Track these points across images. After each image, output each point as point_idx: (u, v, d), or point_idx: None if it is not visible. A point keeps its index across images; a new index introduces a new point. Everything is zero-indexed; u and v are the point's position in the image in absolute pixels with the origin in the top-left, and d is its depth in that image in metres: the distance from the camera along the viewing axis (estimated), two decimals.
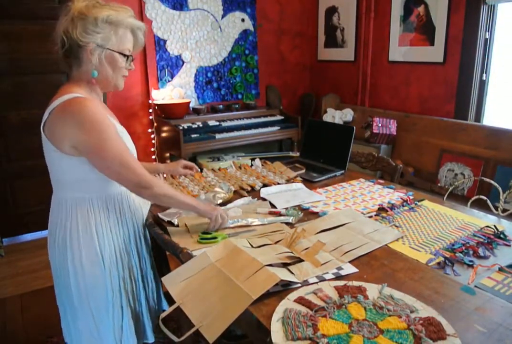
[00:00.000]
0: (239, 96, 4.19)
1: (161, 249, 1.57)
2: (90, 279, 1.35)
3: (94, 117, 1.23)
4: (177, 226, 1.58)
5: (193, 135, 3.50)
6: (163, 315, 1.11)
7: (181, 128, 3.47)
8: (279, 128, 3.89)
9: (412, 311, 1.03)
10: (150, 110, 3.75)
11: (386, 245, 1.40)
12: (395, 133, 3.56)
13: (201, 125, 3.61)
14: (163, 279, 1.22)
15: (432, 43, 3.39)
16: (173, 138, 3.50)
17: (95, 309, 1.37)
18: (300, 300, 1.08)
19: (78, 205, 1.34)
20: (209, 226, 1.49)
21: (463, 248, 1.36)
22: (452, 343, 0.92)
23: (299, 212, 1.65)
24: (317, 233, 1.46)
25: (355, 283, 1.16)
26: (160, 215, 1.65)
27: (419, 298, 1.08)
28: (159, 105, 3.62)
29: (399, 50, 3.68)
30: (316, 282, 1.17)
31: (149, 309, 1.55)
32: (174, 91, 3.76)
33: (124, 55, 1.35)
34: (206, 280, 1.17)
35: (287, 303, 1.07)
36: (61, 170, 1.32)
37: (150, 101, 3.72)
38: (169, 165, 1.85)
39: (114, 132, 1.27)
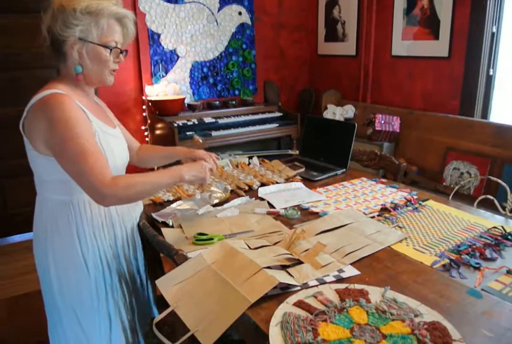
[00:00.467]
0: (236, 92, 4.19)
1: (155, 251, 1.56)
2: (74, 285, 1.33)
3: (63, 114, 1.19)
4: (172, 227, 1.58)
5: (188, 133, 3.50)
6: (156, 319, 1.11)
7: (175, 125, 3.47)
8: (277, 125, 3.90)
9: (416, 315, 1.03)
10: (144, 107, 3.75)
11: (389, 246, 1.39)
12: (398, 130, 3.56)
13: (196, 122, 3.60)
14: (157, 282, 1.21)
15: (436, 37, 3.39)
16: (167, 136, 3.49)
17: (82, 318, 1.36)
18: (300, 304, 1.08)
19: (59, 207, 1.32)
20: (203, 183, 1.48)
21: (470, 249, 1.35)
22: None
23: (298, 212, 1.65)
24: (317, 234, 1.46)
25: (357, 286, 1.15)
26: (154, 215, 1.64)
27: (423, 302, 1.08)
28: (153, 102, 3.61)
29: (402, 44, 3.68)
30: (316, 285, 1.17)
31: (140, 317, 1.53)
32: (169, 86, 3.76)
33: (108, 48, 1.30)
34: (202, 283, 1.17)
35: (286, 306, 1.07)
36: (40, 170, 1.30)
37: (143, 97, 3.72)
38: (189, 151, 1.63)
39: (83, 133, 1.20)
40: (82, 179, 1.19)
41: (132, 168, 1.57)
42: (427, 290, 1.15)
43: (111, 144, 1.35)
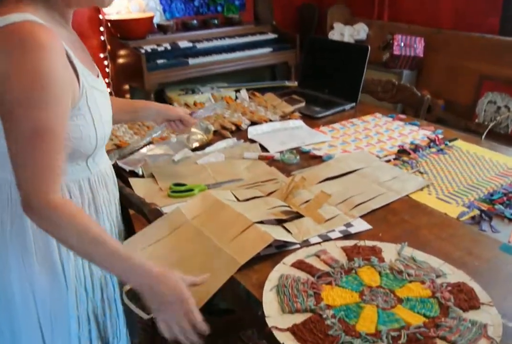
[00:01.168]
0: (219, 8, 4.08)
1: (122, 208, 1.57)
2: (45, 302, 1.18)
3: (39, 64, 0.97)
4: (142, 176, 1.58)
5: (159, 61, 3.44)
6: (127, 287, 1.13)
7: (143, 51, 3.40)
8: (271, 49, 3.83)
9: (438, 276, 1.05)
10: (101, 28, 3.65)
11: (407, 196, 1.41)
12: (421, 55, 3.52)
13: (169, 48, 3.53)
14: (123, 243, 1.22)
15: None
16: (133, 65, 3.43)
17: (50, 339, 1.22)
18: (299, 265, 1.10)
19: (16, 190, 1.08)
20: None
21: (504, 198, 1.37)
22: (487, 313, 0.95)
23: (297, 157, 1.66)
24: (321, 182, 1.47)
25: (368, 243, 1.17)
26: (119, 163, 1.64)
27: (447, 260, 1.11)
28: (113, 21, 3.52)
29: None
30: (319, 242, 1.19)
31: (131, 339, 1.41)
32: (133, 2, 3.65)
33: None
34: (181, 243, 1.18)
35: (283, 268, 1.09)
36: None
37: (100, 16, 3.61)
38: (165, 108, 1.55)
39: (58, 109, 1.01)
40: (22, 173, 1.01)
41: None
42: (452, 247, 1.17)
43: (98, 103, 1.16)
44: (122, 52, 3.56)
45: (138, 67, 3.36)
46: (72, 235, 1.01)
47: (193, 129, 1.81)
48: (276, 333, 0.91)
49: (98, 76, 1.21)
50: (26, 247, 1.13)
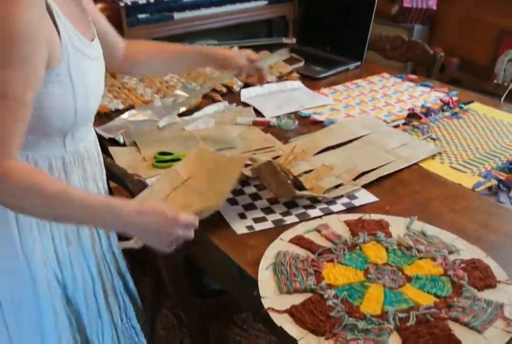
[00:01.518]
0: None
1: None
2: (5, 291, 1.16)
3: (8, 17, 0.94)
4: (124, 145, 1.57)
5: (140, 15, 3.41)
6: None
7: (122, 4, 3.35)
8: (266, 2, 3.80)
9: (451, 252, 1.06)
10: None
11: (417, 164, 1.41)
12: (434, 8, 3.49)
13: (152, 0, 3.48)
14: None
15: None
16: (111, 20, 3.32)
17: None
18: (298, 241, 1.10)
19: None
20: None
21: None
22: (504, 291, 0.96)
23: (296, 122, 1.65)
24: (321, 152, 1.47)
25: (374, 216, 1.18)
26: (98, 130, 1.62)
27: (461, 235, 1.11)
28: None
29: None
30: (320, 216, 1.20)
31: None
32: None
33: None
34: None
35: (280, 244, 1.10)
36: None
37: None
38: (226, 52, 1.53)
39: (17, 55, 0.97)
40: None
41: None
42: (466, 220, 1.18)
43: (85, 72, 1.12)
44: (99, 6, 3.50)
45: (117, 22, 3.30)
46: (34, 202, 0.98)
47: (179, 92, 1.80)
48: (273, 315, 0.92)
49: (92, 40, 1.15)
50: None
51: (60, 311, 1.19)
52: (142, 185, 1.28)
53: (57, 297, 1.18)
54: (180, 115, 1.73)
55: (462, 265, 1.02)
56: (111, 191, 1.61)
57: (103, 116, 1.75)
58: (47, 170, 1.13)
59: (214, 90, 1.91)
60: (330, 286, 0.98)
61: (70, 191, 1.01)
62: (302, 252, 1.07)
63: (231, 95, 1.90)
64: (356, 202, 1.25)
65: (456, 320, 0.89)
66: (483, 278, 0.98)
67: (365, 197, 1.27)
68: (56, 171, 1.15)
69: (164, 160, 1.45)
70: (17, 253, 1.12)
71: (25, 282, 1.14)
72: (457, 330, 0.87)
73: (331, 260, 1.05)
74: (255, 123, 1.67)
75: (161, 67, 1.52)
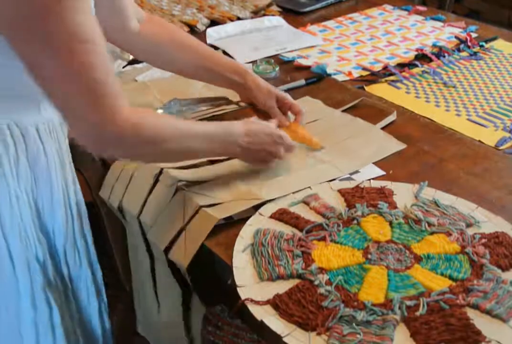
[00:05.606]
0: None
1: None
2: None
3: None
4: None
5: None
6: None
7: None
8: None
9: (469, 225, 1.07)
10: None
11: (430, 119, 1.42)
12: None
13: None
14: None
15: None
16: None
17: None
18: (282, 215, 1.10)
19: None
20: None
21: None
22: None
23: (277, 68, 1.64)
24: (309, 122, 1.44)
25: (374, 183, 1.18)
26: None
27: (481, 204, 1.12)
28: None
29: None
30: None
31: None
32: None
33: None
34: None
35: (260, 220, 1.10)
36: None
37: None
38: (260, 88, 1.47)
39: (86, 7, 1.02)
40: (71, 103, 1.03)
41: None
42: (488, 185, 1.18)
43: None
44: None
45: None
46: (172, 141, 1.11)
47: None
48: (252, 308, 0.92)
49: None
50: None
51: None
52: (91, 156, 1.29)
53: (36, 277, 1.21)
54: (131, 62, 1.72)
55: (483, 241, 1.02)
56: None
57: None
58: (21, 137, 1.16)
59: None
60: (322, 270, 0.98)
61: (192, 124, 1.21)
62: (287, 230, 1.07)
63: (195, 36, 1.87)
64: (358, 177, 1.22)
65: (476, 307, 0.89)
66: (508, 255, 0.99)
67: (370, 171, 1.24)
68: (33, 142, 1.18)
69: None
70: None
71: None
72: (477, 319, 0.87)
73: (323, 239, 1.04)
74: None
75: (175, 67, 1.52)
